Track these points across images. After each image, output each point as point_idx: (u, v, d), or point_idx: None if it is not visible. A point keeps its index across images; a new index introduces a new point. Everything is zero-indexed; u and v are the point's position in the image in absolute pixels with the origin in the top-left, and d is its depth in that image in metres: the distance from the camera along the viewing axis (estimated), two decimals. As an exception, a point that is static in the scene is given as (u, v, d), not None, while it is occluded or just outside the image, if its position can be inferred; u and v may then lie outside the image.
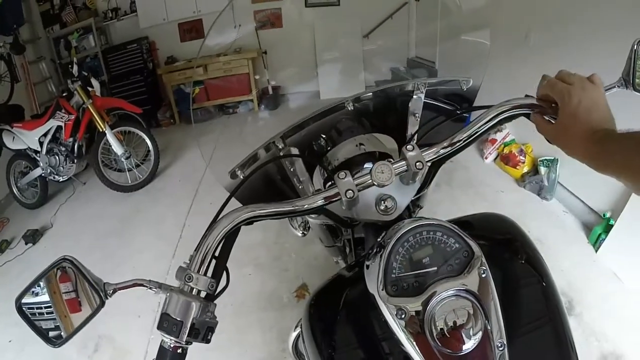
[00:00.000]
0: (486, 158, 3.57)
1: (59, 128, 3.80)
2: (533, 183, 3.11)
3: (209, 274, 0.64)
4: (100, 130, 3.72)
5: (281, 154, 1.06)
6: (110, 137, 3.72)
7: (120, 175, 3.93)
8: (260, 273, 2.67)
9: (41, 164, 3.89)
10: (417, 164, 0.72)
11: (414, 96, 1.11)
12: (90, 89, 3.82)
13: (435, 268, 0.67)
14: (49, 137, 3.81)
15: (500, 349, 0.62)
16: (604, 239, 2.48)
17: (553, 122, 0.74)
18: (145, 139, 3.95)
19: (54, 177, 3.96)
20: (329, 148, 1.13)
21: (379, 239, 0.75)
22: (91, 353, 2.33)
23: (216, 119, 5.26)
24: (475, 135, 0.77)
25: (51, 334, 0.68)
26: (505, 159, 3.37)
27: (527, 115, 0.79)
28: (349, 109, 1.13)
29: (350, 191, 0.70)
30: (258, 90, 5.25)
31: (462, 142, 0.76)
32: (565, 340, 0.75)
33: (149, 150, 4.01)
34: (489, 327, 0.63)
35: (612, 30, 2.22)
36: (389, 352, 0.72)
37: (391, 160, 0.74)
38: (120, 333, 2.37)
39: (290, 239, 2.87)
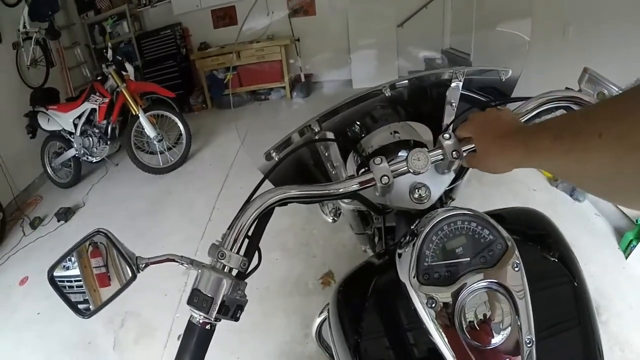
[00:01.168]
0: (520, 154, 3.49)
1: (93, 111, 3.89)
2: (566, 183, 3.03)
3: (242, 252, 0.64)
4: (134, 113, 3.80)
5: (317, 137, 1.05)
6: (143, 120, 3.79)
7: (152, 158, 4.00)
8: (287, 258, 2.68)
9: (75, 145, 4.00)
10: (454, 153, 0.70)
11: (452, 84, 1.08)
12: (124, 73, 3.90)
13: (468, 259, 0.66)
14: (83, 119, 3.91)
15: (529, 345, 0.62)
16: (635, 246, 2.40)
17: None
18: (177, 122, 4.01)
19: (87, 158, 4.07)
20: (363, 135, 1.12)
21: (412, 227, 0.74)
22: (117, 328, 2.38)
23: (248, 104, 5.31)
24: None
25: (80, 306, 0.69)
26: (540, 157, 3.28)
27: (567, 108, 0.76)
28: (387, 95, 1.11)
29: (385, 177, 0.69)
30: (290, 77, 5.26)
31: None
32: (594, 343, 0.74)
33: (180, 134, 4.07)
34: (518, 322, 0.62)
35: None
36: (416, 342, 0.72)
37: (427, 148, 0.73)
38: (147, 310, 2.41)
39: (319, 225, 2.86)
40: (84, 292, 0.70)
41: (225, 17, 5.62)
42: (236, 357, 2.10)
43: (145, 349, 2.27)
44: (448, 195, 1.17)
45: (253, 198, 0.66)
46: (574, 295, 0.78)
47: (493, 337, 0.61)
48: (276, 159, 1.03)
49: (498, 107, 0.74)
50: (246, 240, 0.65)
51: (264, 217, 0.67)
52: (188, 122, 4.10)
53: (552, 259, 0.81)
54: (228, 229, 0.64)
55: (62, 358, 2.28)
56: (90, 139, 3.97)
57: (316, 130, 1.06)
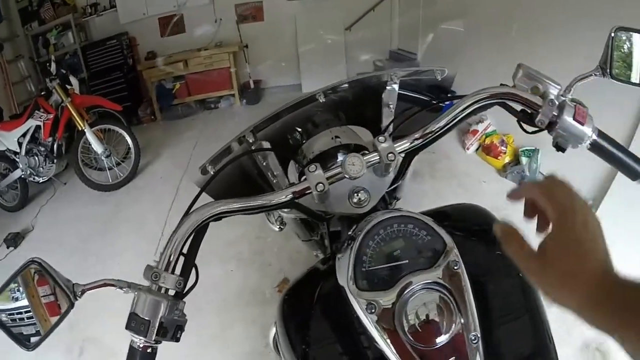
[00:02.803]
0: (468, 149, 3.58)
1: (37, 128, 3.72)
2: (515, 173, 3.13)
3: (178, 271, 0.62)
4: (80, 128, 3.66)
5: (252, 148, 1.04)
6: (89, 136, 3.66)
7: (101, 174, 3.89)
8: (242, 268, 2.67)
9: (21, 165, 3.81)
10: (389, 155, 0.70)
11: (388, 87, 1.09)
12: (69, 87, 3.76)
13: (407, 261, 0.67)
14: (28, 137, 3.73)
15: (475, 342, 0.62)
16: None
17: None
18: (125, 136, 3.90)
19: (34, 178, 3.89)
20: (304, 141, 1.11)
21: (349, 232, 0.75)
22: (76, 357, 2.30)
23: (198, 114, 5.23)
24: (449, 125, 0.76)
25: (32, 339, 0.66)
26: (487, 150, 3.39)
27: (502, 104, 0.78)
28: (320, 100, 1.10)
29: (320, 184, 0.69)
30: (239, 84, 5.21)
31: (435, 132, 0.75)
32: (543, 332, 0.75)
33: (129, 148, 3.96)
34: (462, 320, 0.63)
35: (594, 18, 2.24)
36: (363, 348, 0.71)
37: (366, 152, 0.72)
38: (105, 334, 2.34)
39: (272, 233, 2.84)
40: (34, 324, 0.66)
41: (172, 24, 5.51)
42: (198, 372, 2.06)
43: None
44: (392, 195, 1.18)
45: (186, 215, 0.65)
46: (520, 287, 0.78)
47: (437, 337, 0.61)
48: (211, 172, 1.01)
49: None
50: (182, 258, 0.64)
51: (199, 234, 0.66)
52: (137, 135, 4.00)
53: (496, 252, 0.79)
54: (163, 248, 0.62)
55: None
56: (36, 157, 3.79)
57: (251, 141, 1.04)
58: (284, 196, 0.70)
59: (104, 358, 2.27)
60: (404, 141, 0.74)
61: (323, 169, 0.70)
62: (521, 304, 0.77)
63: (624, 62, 0.81)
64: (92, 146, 3.71)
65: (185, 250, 0.64)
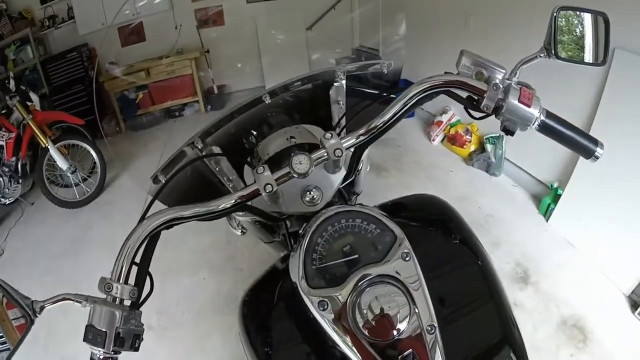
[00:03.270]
0: (433, 140, 3.65)
1: (0, 148, 3.59)
2: (481, 161, 3.22)
3: (132, 281, 0.63)
4: (43, 145, 3.56)
5: (203, 153, 1.03)
6: (53, 152, 3.58)
7: (68, 191, 3.79)
8: (215, 276, 2.66)
9: (-16, 188, 3.67)
10: (336, 151, 0.70)
11: (335, 83, 1.10)
12: (29, 103, 3.65)
13: (357, 256, 0.67)
14: (-10, 158, 3.60)
15: (431, 331, 0.62)
16: (554, 209, 2.61)
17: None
18: (90, 151, 3.83)
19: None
20: (259, 143, 1.10)
21: (300, 231, 0.76)
22: None
23: (163, 123, 5.14)
24: (396, 117, 0.75)
25: None
26: (452, 140, 3.46)
27: (447, 93, 0.77)
28: (267, 102, 1.11)
29: (269, 185, 0.68)
30: (203, 90, 5.16)
31: (381, 125, 0.75)
32: (505, 316, 0.75)
33: (95, 163, 3.89)
34: (417, 311, 0.63)
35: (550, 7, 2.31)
36: (322, 346, 0.72)
37: (315, 150, 0.73)
38: (82, 354, 2.27)
39: (242, 238, 2.84)
40: (8, 349, 0.66)
41: (133, 33, 5.39)
42: (178, 385, 2.05)
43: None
44: (350, 191, 1.19)
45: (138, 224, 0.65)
46: (479, 274, 0.79)
47: (392, 329, 0.61)
48: (162, 181, 1.01)
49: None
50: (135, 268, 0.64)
51: (151, 243, 0.66)
52: (102, 148, 3.92)
53: (453, 241, 0.83)
54: (115, 259, 0.62)
55: None
56: (1, 179, 3.64)
57: (200, 147, 1.04)
58: (232, 200, 0.70)
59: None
60: (350, 137, 0.74)
61: (277, 170, 0.71)
62: (481, 290, 0.78)
63: (569, 42, 0.81)
64: (57, 163, 3.63)
65: (138, 260, 0.64)
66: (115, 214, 3.61)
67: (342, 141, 0.72)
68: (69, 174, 3.70)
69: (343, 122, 1.05)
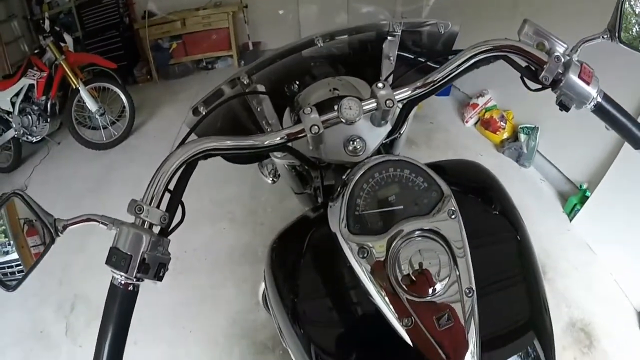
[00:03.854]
0: (467, 122, 3.57)
1: (31, 86, 3.63)
2: (512, 149, 3.13)
3: (163, 208, 0.59)
4: (74, 87, 3.59)
5: (247, 90, 1.00)
6: (83, 94, 3.60)
7: (95, 133, 3.83)
8: (235, 227, 2.68)
9: (14, 125, 3.72)
10: (388, 102, 0.68)
11: (389, 38, 1.06)
12: (63, 44, 3.65)
13: (402, 207, 0.65)
14: (21, 96, 3.64)
15: (469, 295, 0.60)
16: (579, 210, 2.53)
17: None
18: (120, 95, 3.85)
19: (27, 138, 3.82)
20: (300, 92, 1.07)
21: (343, 177, 0.73)
22: (67, 313, 2.32)
23: (194, 74, 5.15)
24: (450, 76, 0.74)
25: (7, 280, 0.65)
26: (486, 124, 3.37)
27: (505, 59, 0.75)
28: (319, 45, 1.06)
29: (315, 126, 0.66)
30: (238, 45, 5.11)
31: (435, 83, 0.73)
32: (539, 297, 0.73)
33: (124, 107, 3.91)
34: (457, 272, 0.61)
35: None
36: (353, 297, 0.71)
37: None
38: (95, 292, 2.33)
39: (266, 193, 2.86)
40: (18, 278, 0.64)
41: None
42: (188, 330, 2.11)
43: (97, 331, 2.23)
44: (389, 152, 1.15)
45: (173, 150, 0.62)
46: (517, 249, 0.77)
47: (430, 287, 0.60)
48: (203, 112, 0.97)
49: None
50: (168, 195, 0.61)
51: (187, 170, 0.63)
52: (132, 94, 3.94)
53: (494, 211, 0.81)
54: (149, 183, 0.59)
55: (14, 351, 2.20)
56: (30, 117, 3.70)
57: (245, 83, 1.01)
58: (278, 138, 0.68)
59: (94, 314, 2.28)
60: (403, 89, 0.72)
61: (324, 114, 0.68)
62: (518, 267, 0.76)
63: (635, 27, 0.78)
64: (87, 104, 3.65)
65: (172, 188, 0.61)
66: (140, 158, 3.64)
67: (394, 92, 0.69)
68: (97, 116, 3.72)
69: (390, 79, 1.00)
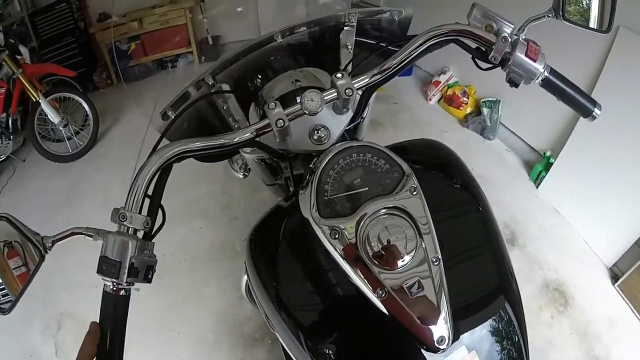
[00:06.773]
0: (430, 100, 3.62)
1: (-10, 104, 3.51)
2: (476, 123, 3.21)
3: (144, 213, 0.63)
4: (34, 100, 3.47)
5: (212, 90, 1.04)
6: (44, 106, 3.50)
7: (60, 145, 3.74)
8: (210, 225, 2.71)
9: (-24, 146, 3.60)
10: (347, 91, 0.72)
11: (346, 27, 1.11)
12: (19, 57, 3.55)
13: (367, 188, 0.70)
14: (-20, 116, 3.52)
15: (436, 263, 0.65)
16: (545, 176, 2.64)
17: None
18: (82, 103, 3.77)
19: (-10, 159, 3.69)
20: (263, 86, 1.11)
21: (310, 165, 0.77)
22: (55, 332, 2.30)
23: (156, 74, 5.07)
24: (405, 61, 0.78)
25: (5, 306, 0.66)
26: (449, 100, 3.43)
27: (456, 42, 0.80)
28: (278, 41, 1.11)
29: (280, 120, 0.71)
30: (197, 41, 5.03)
31: (391, 69, 0.78)
32: (504, 265, 0.78)
33: (87, 115, 3.83)
34: (423, 244, 0.66)
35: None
36: (331, 277, 0.75)
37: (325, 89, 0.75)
38: (80, 307, 2.34)
39: (237, 187, 2.89)
40: (11, 301, 0.66)
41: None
42: (177, 333, 2.14)
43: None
44: (353, 137, 1.21)
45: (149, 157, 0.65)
46: (480, 219, 0.82)
47: (399, 259, 0.64)
48: (172, 117, 1.01)
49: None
50: (147, 200, 0.64)
51: (163, 174, 0.67)
52: (94, 100, 3.86)
53: (454, 185, 0.85)
54: (128, 190, 0.62)
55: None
56: (-9, 136, 3.59)
57: (210, 84, 1.05)
58: (246, 134, 0.72)
59: (82, 329, 2.27)
60: (361, 77, 0.77)
61: (288, 107, 0.73)
62: (481, 237, 0.80)
63: (577, 4, 0.84)
64: (49, 117, 3.56)
65: (150, 193, 0.65)
66: (108, 166, 3.60)
67: (353, 81, 0.74)
68: (60, 128, 3.63)
69: (349, 67, 1.04)
